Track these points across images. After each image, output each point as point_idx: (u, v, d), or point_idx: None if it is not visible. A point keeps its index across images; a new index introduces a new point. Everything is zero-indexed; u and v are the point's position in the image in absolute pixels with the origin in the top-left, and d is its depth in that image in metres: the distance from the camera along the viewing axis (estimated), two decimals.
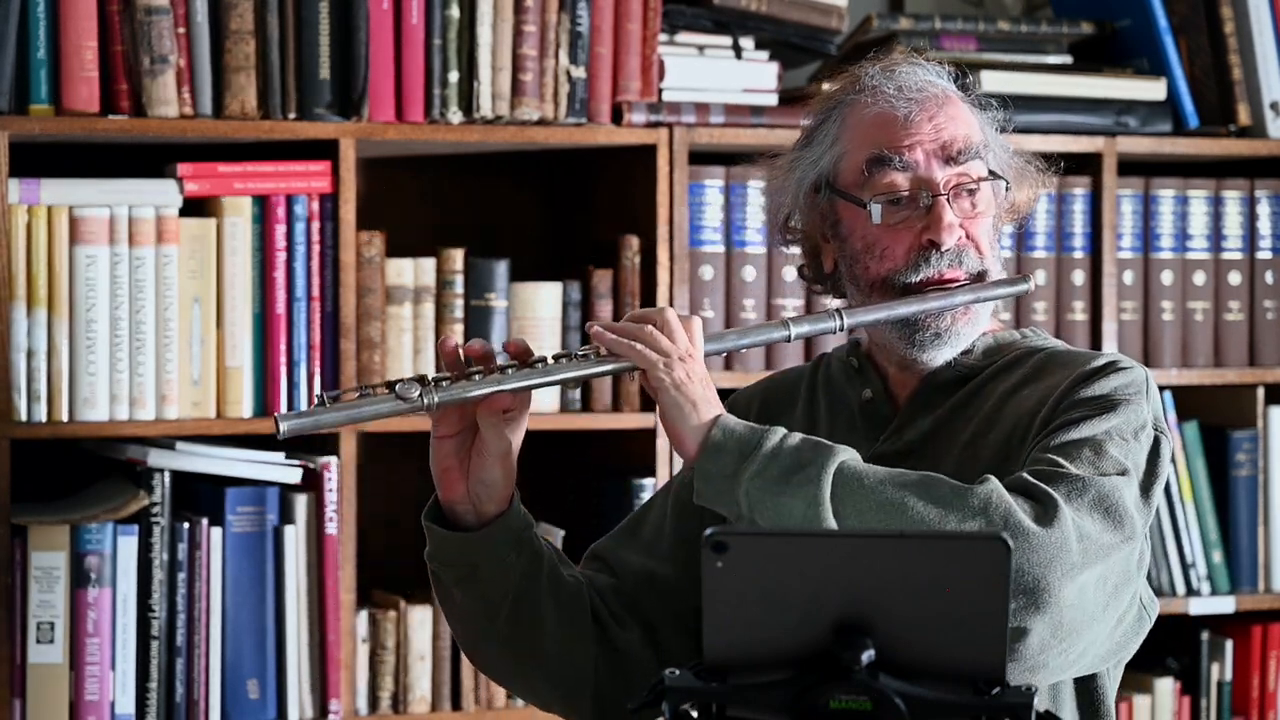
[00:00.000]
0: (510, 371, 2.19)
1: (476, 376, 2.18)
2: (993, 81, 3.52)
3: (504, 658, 2.33)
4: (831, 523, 2.09)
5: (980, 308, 2.31)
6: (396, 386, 2.15)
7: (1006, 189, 2.33)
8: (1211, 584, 3.72)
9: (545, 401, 3.36)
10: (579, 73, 3.34)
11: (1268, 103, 3.68)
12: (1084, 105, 3.59)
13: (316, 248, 3.24)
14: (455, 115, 3.29)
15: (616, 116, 3.38)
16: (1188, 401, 3.74)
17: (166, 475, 3.15)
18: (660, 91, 3.41)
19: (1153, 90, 3.63)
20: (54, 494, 3.30)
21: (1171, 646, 3.71)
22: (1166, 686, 3.71)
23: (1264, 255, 3.75)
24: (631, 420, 3.39)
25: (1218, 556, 3.73)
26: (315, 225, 3.24)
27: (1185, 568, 3.70)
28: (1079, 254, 3.63)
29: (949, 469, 2.26)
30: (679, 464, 3.20)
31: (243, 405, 3.21)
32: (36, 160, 3.18)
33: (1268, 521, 3.75)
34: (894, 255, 2.28)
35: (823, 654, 1.74)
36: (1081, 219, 3.63)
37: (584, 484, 3.48)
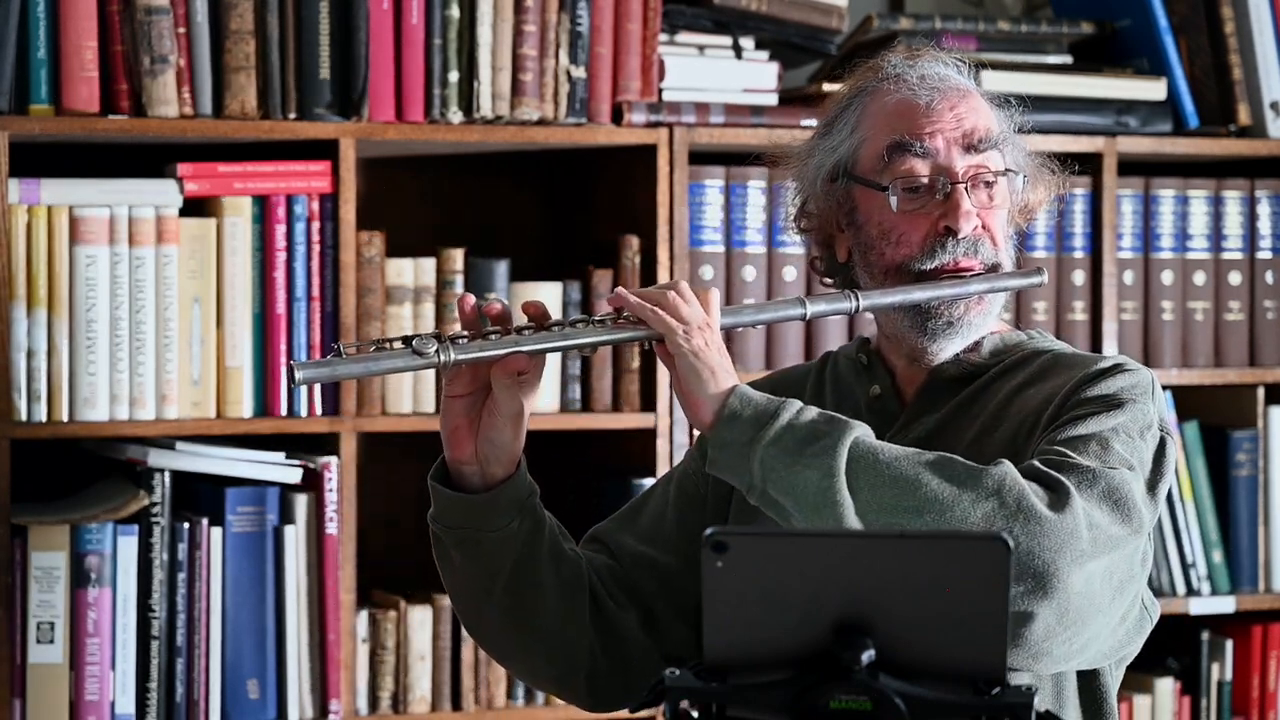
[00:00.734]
0: (527, 334, 2.18)
1: (493, 337, 2.17)
2: (993, 81, 3.51)
3: (504, 630, 2.32)
4: (845, 495, 2.09)
5: (992, 300, 2.32)
6: (414, 341, 2.13)
7: (1024, 182, 2.34)
8: (1211, 584, 3.72)
9: (545, 401, 3.36)
10: (579, 73, 3.34)
11: (1268, 103, 3.68)
12: (1084, 105, 3.59)
13: (316, 248, 3.24)
14: (455, 115, 3.29)
15: (616, 116, 3.38)
16: (1188, 401, 3.74)
17: (166, 475, 3.15)
18: (660, 91, 3.41)
19: (1153, 90, 3.63)
20: (54, 494, 3.30)
21: (1171, 646, 3.71)
22: (1166, 686, 3.71)
23: (1264, 255, 3.75)
24: (631, 420, 3.39)
25: (1218, 556, 3.73)
26: (315, 225, 3.24)
27: (1185, 568, 3.70)
28: (1079, 254, 3.63)
29: None
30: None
31: (243, 405, 3.21)
32: (36, 160, 3.18)
33: (1268, 521, 3.76)
34: (910, 241, 2.29)
35: (823, 654, 1.74)
36: (1081, 219, 3.63)
37: (584, 484, 3.48)
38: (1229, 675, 3.77)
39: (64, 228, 3.14)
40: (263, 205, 3.23)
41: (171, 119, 3.15)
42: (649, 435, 3.39)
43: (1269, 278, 3.75)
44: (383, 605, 3.35)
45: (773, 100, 3.48)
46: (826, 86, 3.44)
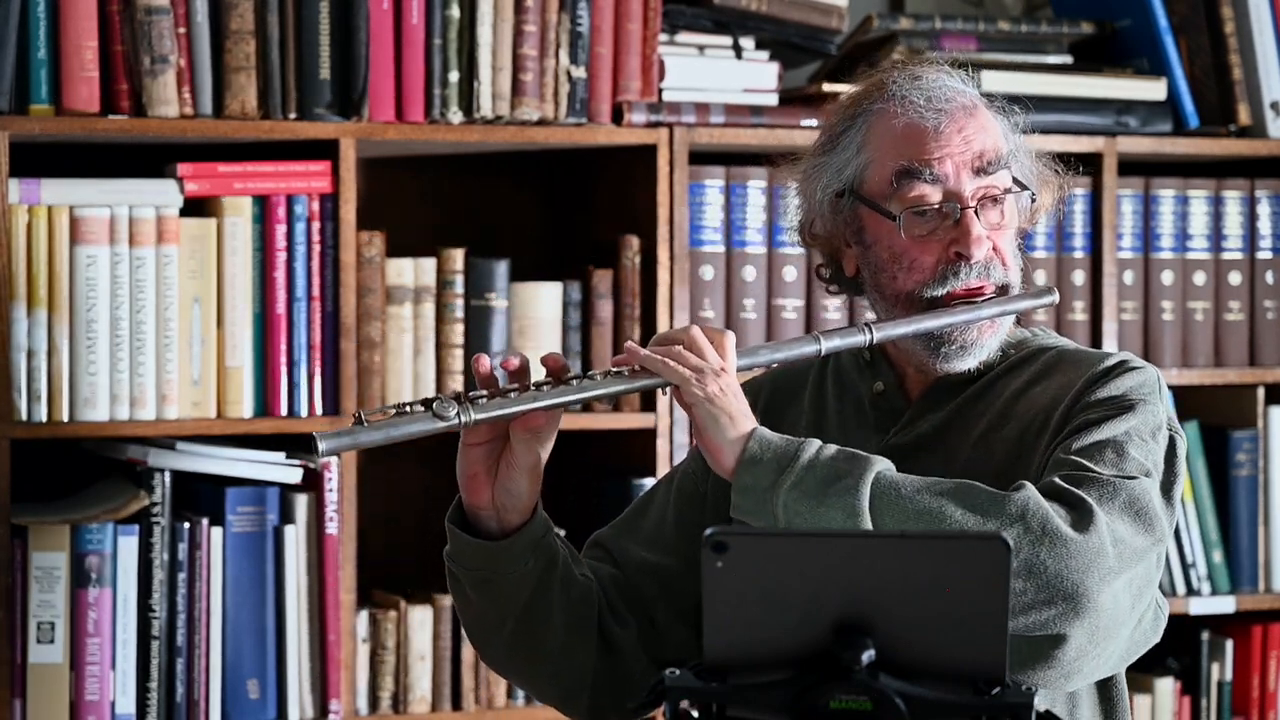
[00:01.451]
0: (545, 388, 2.19)
1: (512, 394, 2.18)
2: (993, 82, 3.52)
3: (513, 657, 2.34)
4: None
5: (1003, 320, 2.32)
6: (434, 405, 2.15)
7: (1032, 200, 2.33)
8: (1211, 584, 3.72)
9: None
10: (579, 73, 3.34)
11: (1268, 103, 3.68)
12: (1084, 105, 3.59)
13: (316, 248, 3.24)
14: (455, 115, 3.29)
15: (617, 116, 3.38)
16: (1188, 401, 3.74)
17: (166, 475, 3.15)
18: (660, 91, 3.41)
19: (1153, 90, 3.63)
20: (54, 494, 3.30)
21: (1171, 646, 3.71)
22: (1166, 686, 3.71)
23: (1264, 255, 3.75)
24: (631, 420, 3.39)
25: (1218, 556, 3.73)
26: (315, 225, 3.24)
27: (1185, 568, 3.70)
28: (1079, 254, 3.63)
29: (960, 463, 2.27)
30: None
31: (243, 405, 3.21)
32: (36, 160, 3.18)
33: (1268, 521, 3.76)
34: (921, 268, 2.28)
35: (823, 654, 1.74)
36: (1082, 219, 3.63)
37: (584, 484, 3.48)
38: (1229, 675, 3.77)
39: (64, 228, 3.14)
40: (263, 205, 3.23)
41: (171, 119, 3.15)
42: (649, 435, 3.39)
43: (1269, 278, 3.75)
44: (383, 605, 3.35)
45: (773, 100, 3.48)
46: (826, 86, 3.44)
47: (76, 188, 3.15)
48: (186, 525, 3.17)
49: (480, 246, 3.48)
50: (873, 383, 2.38)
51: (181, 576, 3.17)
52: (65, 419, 3.13)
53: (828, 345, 2.28)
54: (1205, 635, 3.74)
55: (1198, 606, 3.69)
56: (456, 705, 3.35)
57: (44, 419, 3.12)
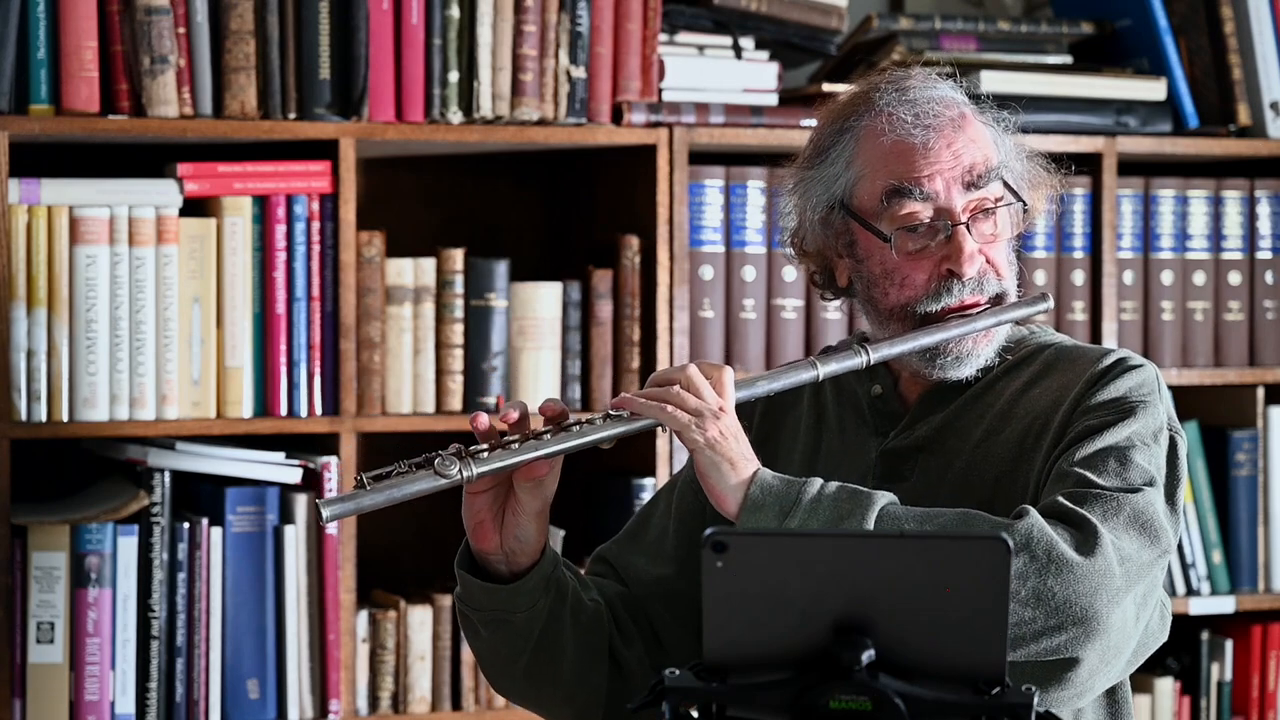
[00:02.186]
0: (546, 436, 2.20)
1: (513, 444, 2.19)
2: (993, 81, 3.52)
3: (527, 688, 2.35)
4: None
5: (999, 328, 2.32)
6: (435, 463, 2.17)
7: (1025, 210, 2.32)
8: (1211, 584, 3.72)
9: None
10: (579, 73, 3.34)
11: (1268, 103, 3.68)
12: (1084, 105, 3.59)
13: (316, 248, 3.24)
14: (455, 115, 3.29)
15: (616, 116, 3.38)
16: (1188, 401, 3.74)
17: (166, 475, 3.15)
18: (660, 91, 3.41)
19: (1153, 90, 3.63)
20: (54, 494, 3.30)
21: (1171, 646, 3.71)
22: (1166, 686, 3.71)
23: (1264, 255, 3.75)
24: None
25: (1218, 556, 3.73)
26: (315, 225, 3.24)
27: (1185, 568, 3.70)
28: (1079, 254, 3.63)
29: (961, 466, 2.27)
30: (679, 464, 3.21)
31: (243, 405, 3.21)
32: (36, 160, 3.18)
33: (1268, 521, 3.75)
34: (914, 284, 2.28)
35: (823, 654, 1.74)
36: (1081, 219, 3.63)
37: (584, 484, 3.48)
38: (1229, 675, 3.77)
39: (64, 228, 3.14)
40: (263, 205, 3.23)
41: (171, 119, 3.15)
42: (649, 435, 3.38)
43: (1269, 278, 3.75)
44: (383, 605, 3.35)
45: (773, 100, 3.48)
46: (826, 86, 3.44)
47: (76, 188, 3.15)
48: (186, 525, 3.17)
49: (480, 246, 3.48)
50: (870, 385, 2.38)
51: (181, 576, 3.17)
52: (65, 419, 3.13)
53: (825, 370, 2.28)
54: (1205, 635, 3.74)
55: (1198, 606, 3.69)
56: (456, 705, 3.35)
57: (44, 419, 3.12)
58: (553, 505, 2.31)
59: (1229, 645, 3.76)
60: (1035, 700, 1.75)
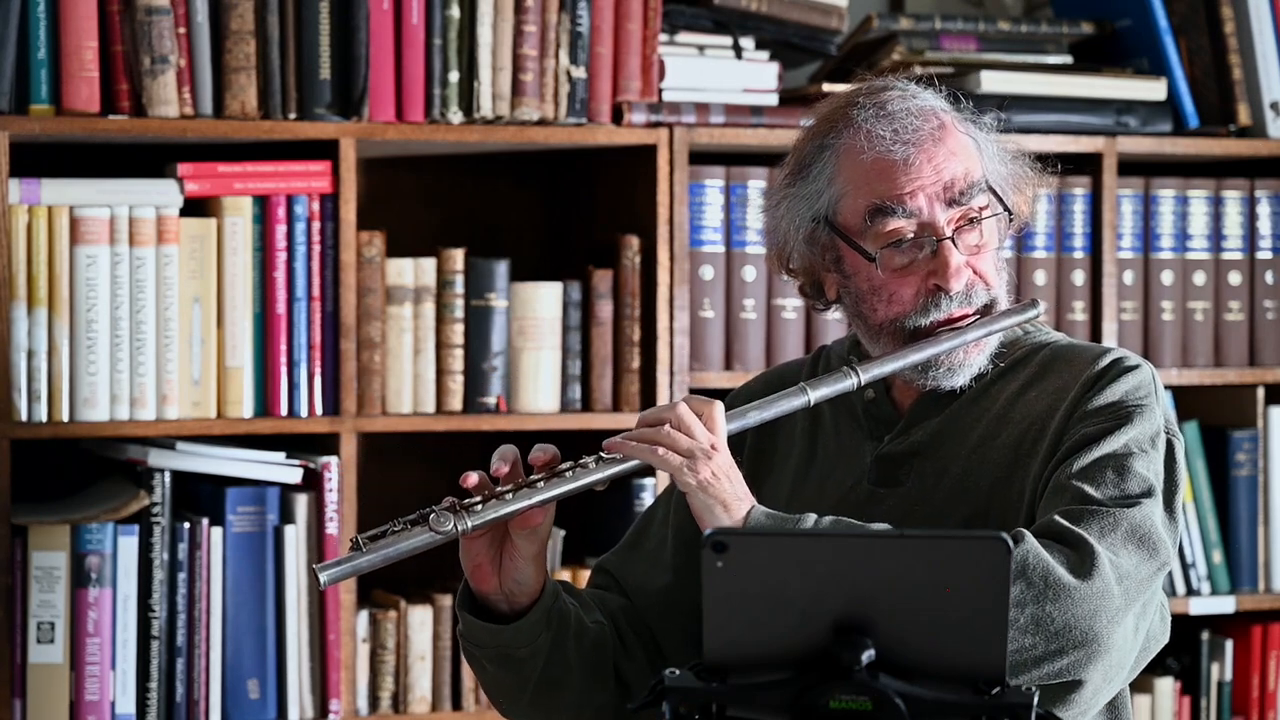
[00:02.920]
0: (539, 484, 2.19)
1: (507, 494, 2.19)
2: (993, 82, 3.52)
3: (534, 714, 2.35)
4: None
5: (991, 337, 2.31)
6: (430, 518, 2.17)
7: (1010, 219, 2.30)
8: (1211, 584, 3.72)
9: (546, 401, 3.36)
10: (579, 73, 3.34)
11: (1268, 103, 3.68)
12: (1084, 105, 3.59)
13: (317, 248, 3.24)
14: (455, 115, 3.29)
15: (616, 116, 3.38)
16: (1188, 401, 3.74)
17: (167, 475, 3.15)
18: (660, 91, 3.41)
19: (1153, 90, 3.63)
20: (54, 494, 3.30)
21: (1171, 646, 3.69)
22: (1166, 686, 3.71)
23: (1264, 255, 3.75)
24: (631, 420, 3.37)
25: (1218, 556, 3.73)
26: (315, 225, 3.24)
27: (1185, 568, 3.70)
28: (1079, 254, 3.63)
29: (957, 471, 2.26)
30: None
31: (243, 405, 3.21)
32: (36, 160, 3.18)
33: (1268, 521, 3.75)
34: (902, 300, 2.26)
35: (823, 654, 1.74)
36: (1081, 219, 3.63)
37: None
38: (1229, 675, 3.77)
39: (64, 228, 3.14)
40: (263, 205, 3.23)
41: (172, 119, 3.15)
42: None
43: (1269, 278, 3.75)
44: (383, 605, 3.35)
45: (773, 100, 3.48)
46: (826, 87, 3.44)
47: (76, 188, 3.15)
48: (186, 525, 3.17)
49: (480, 246, 3.48)
50: (863, 390, 2.37)
51: (181, 576, 3.17)
52: (65, 419, 3.13)
53: (815, 395, 2.27)
54: (1205, 635, 3.74)
55: (1198, 606, 3.69)
56: (456, 705, 3.35)
57: (44, 419, 3.12)
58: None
59: (1229, 645, 3.76)
60: (1035, 700, 1.75)
